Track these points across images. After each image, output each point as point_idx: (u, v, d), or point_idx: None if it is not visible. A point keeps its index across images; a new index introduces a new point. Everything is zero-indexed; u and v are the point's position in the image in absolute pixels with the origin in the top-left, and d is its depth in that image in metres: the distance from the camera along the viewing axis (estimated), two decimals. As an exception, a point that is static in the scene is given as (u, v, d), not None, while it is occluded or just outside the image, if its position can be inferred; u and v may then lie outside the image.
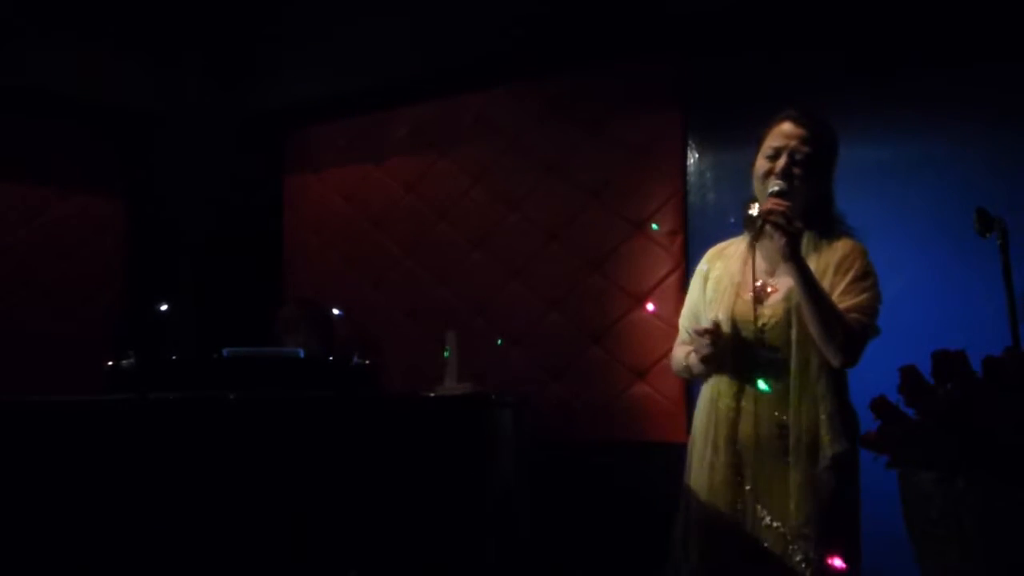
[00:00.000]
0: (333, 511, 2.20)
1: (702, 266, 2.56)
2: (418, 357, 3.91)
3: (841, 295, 2.27)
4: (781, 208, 2.22)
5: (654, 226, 3.56)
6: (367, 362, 2.54)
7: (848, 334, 2.22)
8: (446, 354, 3.08)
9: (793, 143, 2.36)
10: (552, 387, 3.74)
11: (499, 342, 3.83)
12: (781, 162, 2.35)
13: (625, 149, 3.65)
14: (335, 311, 3.91)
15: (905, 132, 3.05)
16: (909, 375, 2.10)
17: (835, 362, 2.25)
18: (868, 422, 2.33)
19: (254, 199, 4.57)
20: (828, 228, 2.38)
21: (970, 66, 2.95)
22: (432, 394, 2.97)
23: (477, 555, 2.41)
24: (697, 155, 3.52)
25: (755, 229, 2.28)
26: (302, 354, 2.56)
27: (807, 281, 2.21)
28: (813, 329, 2.23)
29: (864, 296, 2.27)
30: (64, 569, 2.06)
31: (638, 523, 3.35)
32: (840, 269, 2.30)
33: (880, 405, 2.12)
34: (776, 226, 2.21)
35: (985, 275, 2.66)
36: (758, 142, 2.44)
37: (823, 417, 2.26)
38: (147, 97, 4.40)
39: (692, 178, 3.52)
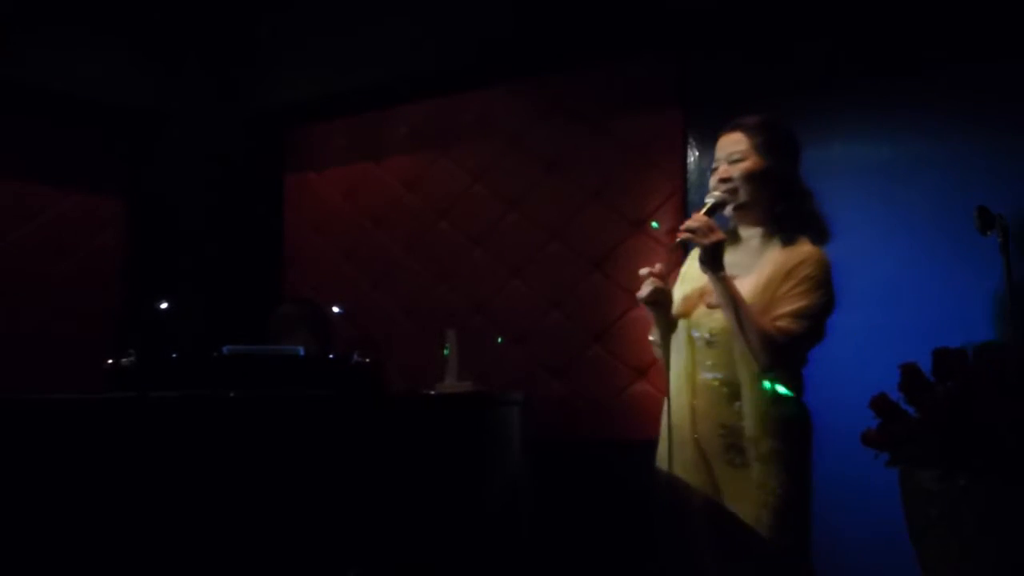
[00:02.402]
0: (335, 510, 2.20)
1: (684, 264, 2.62)
2: (418, 355, 3.91)
3: (779, 300, 2.30)
4: (696, 224, 2.29)
5: (654, 224, 3.56)
6: (367, 360, 2.54)
7: (766, 341, 2.25)
8: (446, 352, 3.08)
9: (728, 148, 2.42)
10: (552, 385, 3.74)
11: (499, 340, 3.83)
12: (720, 169, 2.41)
13: (625, 147, 3.65)
14: (335, 309, 3.91)
15: (906, 131, 3.05)
16: (910, 373, 2.10)
17: (757, 366, 2.28)
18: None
19: (254, 197, 4.57)
20: (793, 232, 2.39)
21: (971, 66, 2.95)
22: (432, 392, 2.96)
23: (481, 553, 2.41)
24: (697, 153, 3.52)
25: (675, 244, 2.39)
26: (302, 352, 2.55)
27: (723, 290, 2.28)
28: (735, 336, 2.29)
29: (800, 303, 2.29)
30: (65, 568, 2.05)
31: (639, 521, 3.35)
32: (791, 276, 2.32)
33: (881, 403, 2.12)
34: (692, 238, 2.29)
35: (986, 274, 2.66)
36: None
37: (753, 417, 2.31)
38: (147, 95, 4.39)
39: (692, 176, 3.52)
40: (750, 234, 2.45)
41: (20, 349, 3.88)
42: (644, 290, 2.44)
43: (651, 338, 2.58)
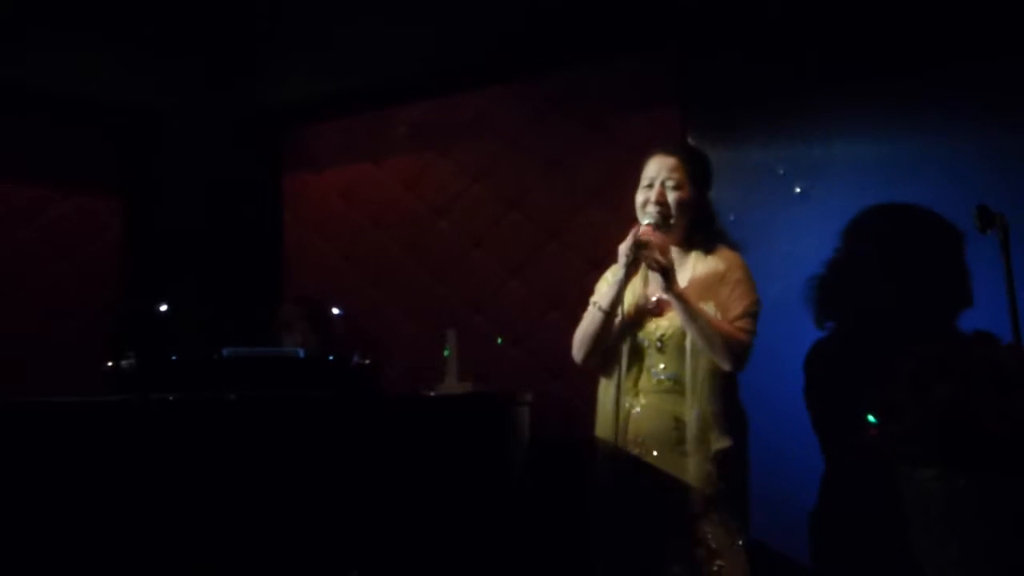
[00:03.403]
0: (336, 511, 2.20)
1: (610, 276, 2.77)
2: (417, 356, 3.91)
3: (727, 307, 2.55)
4: (649, 238, 2.53)
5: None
6: (367, 361, 2.54)
7: (729, 344, 2.50)
8: (446, 353, 3.08)
9: (664, 172, 2.65)
10: (552, 385, 3.73)
11: (499, 341, 3.83)
12: (655, 191, 2.62)
13: (624, 147, 3.64)
14: (335, 310, 3.91)
15: (906, 131, 3.05)
16: (910, 372, 2.10)
17: (726, 368, 2.53)
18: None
19: (253, 198, 4.57)
20: (710, 242, 2.67)
21: (971, 66, 2.95)
22: (432, 393, 2.96)
23: (482, 554, 2.41)
24: (696, 153, 3.51)
25: (630, 260, 2.55)
26: (302, 354, 2.56)
27: (685, 309, 2.51)
28: (701, 345, 2.53)
29: (746, 302, 2.56)
30: (66, 568, 2.06)
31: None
32: (726, 282, 2.57)
33: (880, 402, 2.13)
34: (649, 265, 2.52)
35: (985, 272, 2.66)
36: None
37: (711, 415, 2.52)
38: (146, 96, 4.39)
39: (691, 176, 3.51)
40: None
41: (20, 350, 3.88)
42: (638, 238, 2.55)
43: (600, 305, 2.66)
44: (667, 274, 2.50)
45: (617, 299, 2.61)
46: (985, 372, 2.03)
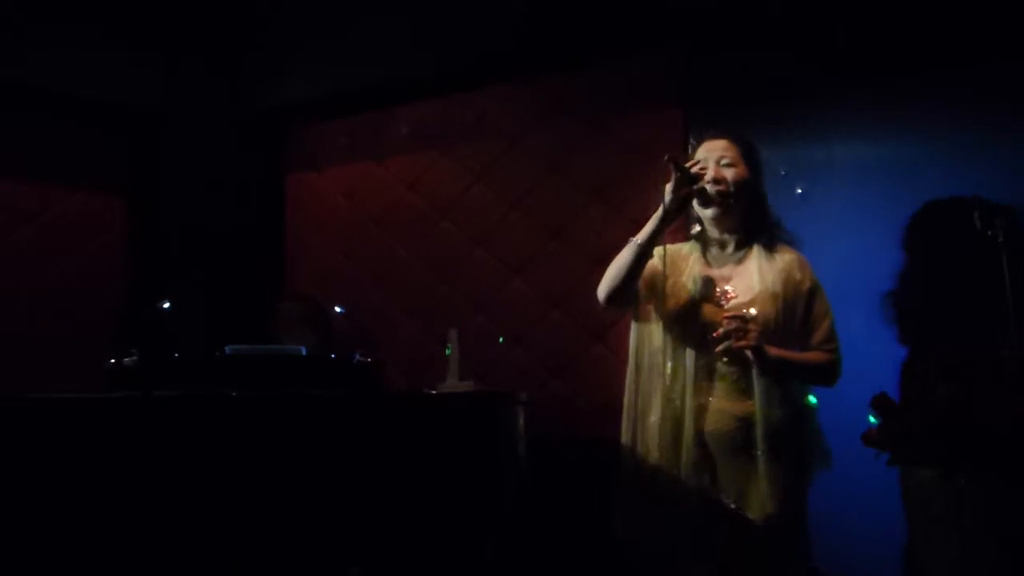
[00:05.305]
0: (337, 508, 2.20)
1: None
2: (419, 355, 3.92)
3: (811, 327, 2.48)
4: (703, 173, 2.44)
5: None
6: (369, 360, 2.54)
7: (827, 371, 2.47)
8: (448, 352, 3.08)
9: (717, 152, 2.54)
10: (554, 385, 3.74)
11: (501, 340, 3.84)
12: (711, 171, 2.50)
13: (626, 147, 3.65)
14: (336, 308, 3.91)
15: (907, 131, 3.05)
16: (911, 372, 2.11)
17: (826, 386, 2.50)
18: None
19: (256, 197, 4.57)
20: (770, 236, 2.55)
21: (971, 66, 2.96)
22: (434, 392, 2.97)
23: (482, 553, 2.42)
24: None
25: (679, 197, 2.42)
26: (304, 352, 2.56)
27: (784, 370, 2.42)
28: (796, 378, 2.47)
29: (829, 323, 2.49)
30: (67, 567, 2.06)
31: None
32: (802, 294, 2.47)
33: (882, 403, 2.13)
34: (743, 348, 2.36)
35: (986, 273, 2.66)
36: None
37: (766, 414, 2.39)
38: (148, 96, 4.39)
39: (693, 176, 3.51)
40: (724, 239, 2.57)
41: (21, 350, 3.88)
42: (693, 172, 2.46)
43: (637, 240, 2.53)
44: (759, 354, 2.37)
45: (655, 236, 2.47)
46: (986, 372, 2.04)
